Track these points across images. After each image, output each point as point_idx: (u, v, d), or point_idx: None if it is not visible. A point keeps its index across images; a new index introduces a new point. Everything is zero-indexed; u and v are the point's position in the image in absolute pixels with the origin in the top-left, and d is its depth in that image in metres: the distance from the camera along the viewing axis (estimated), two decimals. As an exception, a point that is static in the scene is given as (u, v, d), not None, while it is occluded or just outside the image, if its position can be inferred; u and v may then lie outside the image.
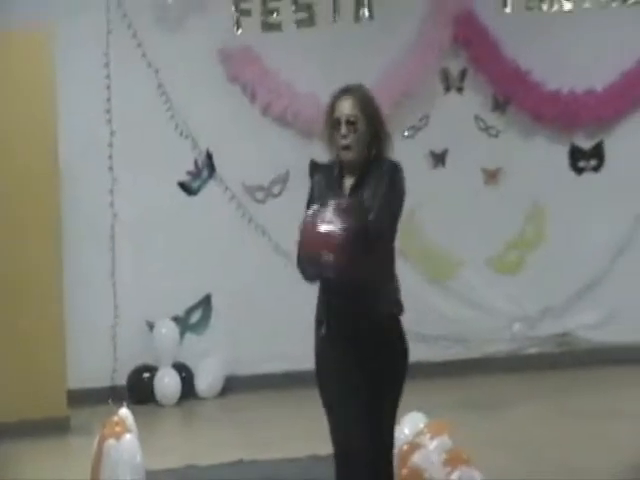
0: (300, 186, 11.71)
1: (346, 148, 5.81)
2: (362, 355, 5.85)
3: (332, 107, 5.88)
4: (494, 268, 11.86)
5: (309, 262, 5.86)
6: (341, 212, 5.57)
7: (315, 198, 5.91)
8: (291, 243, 11.37)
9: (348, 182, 5.88)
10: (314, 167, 6.04)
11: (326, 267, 5.65)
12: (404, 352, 5.96)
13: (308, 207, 5.88)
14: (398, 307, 5.94)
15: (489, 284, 12.15)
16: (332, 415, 6.01)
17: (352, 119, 5.78)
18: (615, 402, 10.58)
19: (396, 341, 5.93)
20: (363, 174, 5.81)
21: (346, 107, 5.81)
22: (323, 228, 5.59)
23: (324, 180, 5.98)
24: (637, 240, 12.30)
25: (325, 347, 5.99)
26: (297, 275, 11.85)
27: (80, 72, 11.51)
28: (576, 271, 12.11)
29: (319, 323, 6.03)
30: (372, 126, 5.83)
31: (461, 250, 12.09)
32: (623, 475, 8.56)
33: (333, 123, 5.86)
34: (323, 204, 5.66)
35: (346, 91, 5.89)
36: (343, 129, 5.79)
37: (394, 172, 5.80)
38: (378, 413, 5.89)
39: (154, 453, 8.85)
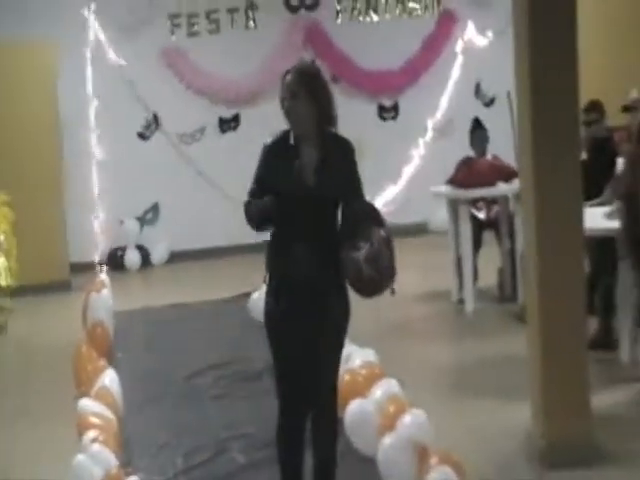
0: (212, 134, 11.94)
1: (293, 119, 4.02)
2: (325, 312, 4.07)
3: (281, 83, 4.07)
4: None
5: (370, 295, 4.03)
6: (387, 243, 3.93)
7: (264, 172, 4.07)
8: (207, 168, 11.68)
9: (307, 153, 4.02)
10: (266, 149, 4.10)
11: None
12: (348, 305, 4.15)
13: (256, 181, 4.09)
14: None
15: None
16: (291, 362, 4.09)
17: (294, 92, 3.98)
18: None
19: (346, 296, 4.11)
20: (325, 147, 4.04)
21: (289, 82, 4.02)
22: (386, 273, 3.93)
23: (277, 153, 4.06)
24: (418, 159, 12.21)
25: (285, 312, 4.06)
26: (209, 185, 11.94)
27: (72, 64, 11.27)
28: (381, 178, 11.76)
29: (275, 291, 4.08)
30: (316, 100, 4.00)
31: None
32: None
33: (282, 97, 4.04)
34: (364, 238, 3.90)
35: (290, 70, 4.08)
36: (287, 103, 4.01)
37: (354, 152, 4.11)
38: (337, 354, 4.22)
39: (123, 301, 8.98)
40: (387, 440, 4.62)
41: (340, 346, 4.22)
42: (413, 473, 4.43)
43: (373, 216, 4.03)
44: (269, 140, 4.14)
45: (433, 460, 4.40)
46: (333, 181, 4.03)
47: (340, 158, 4.09)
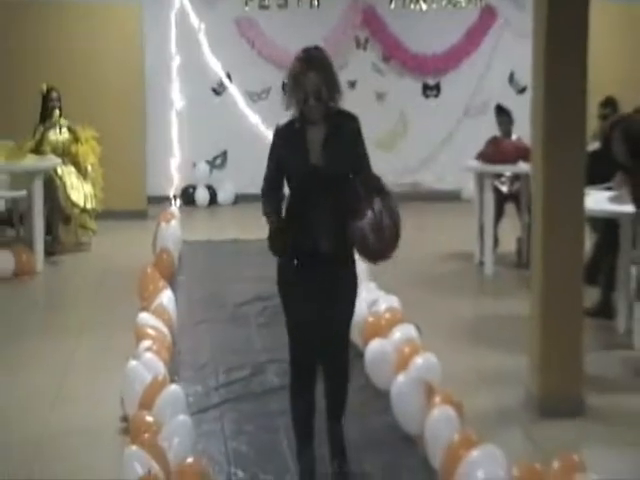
0: (275, 94, 11.61)
1: (313, 112, 3.68)
2: (335, 277, 3.80)
3: (299, 76, 3.65)
4: (380, 148, 11.51)
5: (376, 260, 3.76)
6: (390, 213, 3.67)
7: (276, 152, 3.81)
8: (271, 124, 11.19)
9: (313, 132, 3.72)
10: (276, 131, 3.79)
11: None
12: (356, 279, 3.90)
13: (270, 159, 3.84)
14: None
15: (376, 157, 11.89)
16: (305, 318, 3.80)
17: (317, 93, 3.64)
18: (420, 219, 10.47)
19: (355, 270, 3.88)
20: (330, 126, 3.73)
21: (312, 83, 3.63)
22: (389, 242, 3.67)
23: (285, 135, 3.75)
24: (455, 134, 11.94)
25: (299, 274, 3.80)
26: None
27: (159, 25, 11.22)
28: (422, 148, 11.88)
29: (290, 255, 3.82)
30: (330, 87, 3.67)
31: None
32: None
33: (299, 90, 3.66)
34: (368, 208, 3.63)
35: (310, 62, 3.66)
36: (311, 101, 3.65)
37: (360, 128, 3.80)
38: (345, 320, 3.88)
39: (189, 232, 8.97)
40: (400, 378, 4.53)
41: (349, 313, 3.87)
42: (419, 409, 4.33)
43: (378, 187, 3.70)
44: (280, 123, 3.79)
45: (437, 399, 4.30)
46: (339, 158, 3.71)
47: (346, 134, 3.75)
